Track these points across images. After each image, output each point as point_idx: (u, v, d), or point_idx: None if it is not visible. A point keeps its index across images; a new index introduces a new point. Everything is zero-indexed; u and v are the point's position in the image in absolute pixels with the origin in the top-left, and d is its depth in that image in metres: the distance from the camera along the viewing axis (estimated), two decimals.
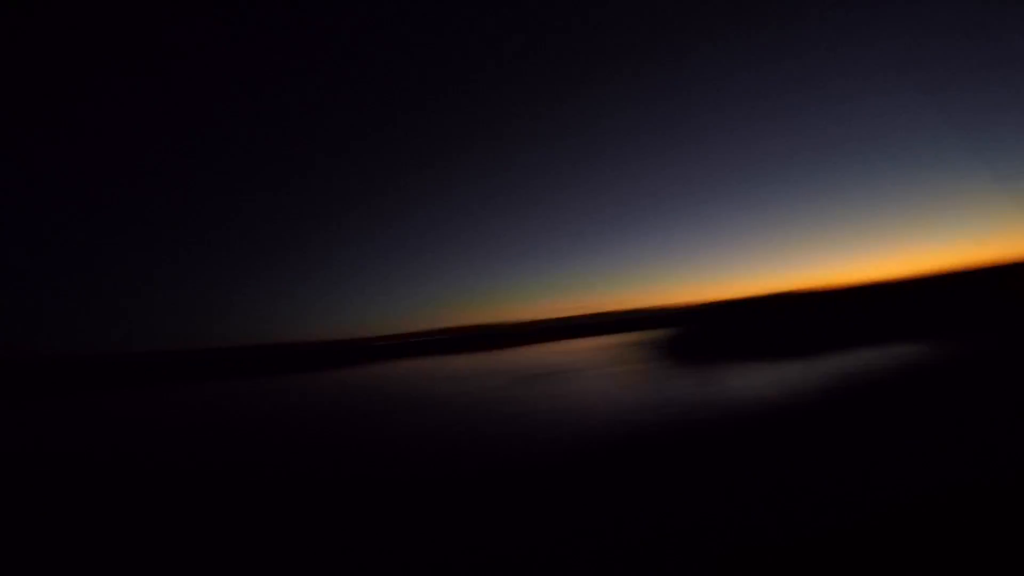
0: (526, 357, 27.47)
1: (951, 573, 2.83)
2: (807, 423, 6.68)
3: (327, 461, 8.16)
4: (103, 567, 4.71)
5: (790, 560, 3.31)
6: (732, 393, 9.25)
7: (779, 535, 3.70)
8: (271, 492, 6.66)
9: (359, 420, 11.95)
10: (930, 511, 3.56)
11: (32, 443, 12.22)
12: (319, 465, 7.92)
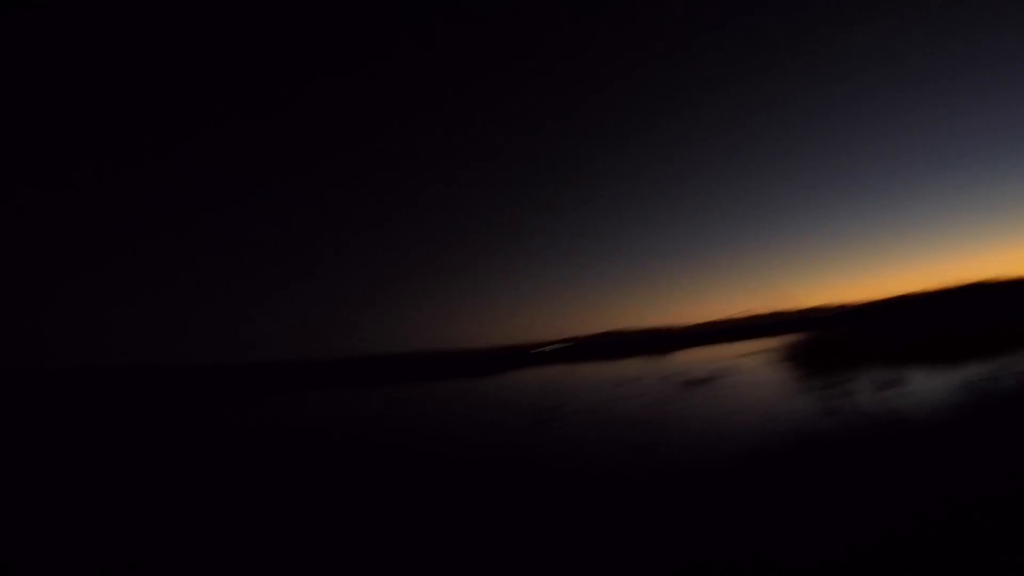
0: (682, 361, 26.49)
1: None
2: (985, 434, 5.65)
3: (493, 472, 7.69)
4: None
5: None
6: (905, 399, 8.31)
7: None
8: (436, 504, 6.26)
9: (528, 427, 11.52)
10: None
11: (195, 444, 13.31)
12: (488, 475, 7.43)
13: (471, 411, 16.67)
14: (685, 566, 3.82)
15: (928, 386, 9.21)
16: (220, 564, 4.80)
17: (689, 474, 6.31)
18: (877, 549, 3.56)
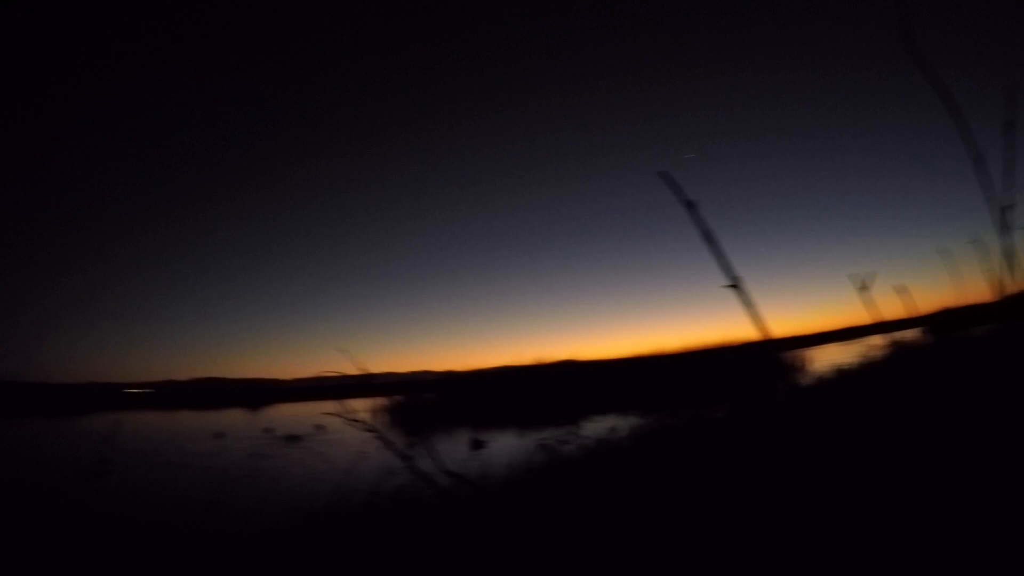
0: (280, 415, 26.89)
1: None
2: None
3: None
4: None
5: None
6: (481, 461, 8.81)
7: None
8: None
9: (82, 478, 10.47)
10: None
11: None
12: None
13: (28, 455, 14.72)
14: None
15: (507, 447, 10.17)
16: None
17: (252, 534, 6.11)
18: None
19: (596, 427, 8.96)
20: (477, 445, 11.12)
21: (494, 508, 4.76)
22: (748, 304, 1.81)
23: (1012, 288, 2.76)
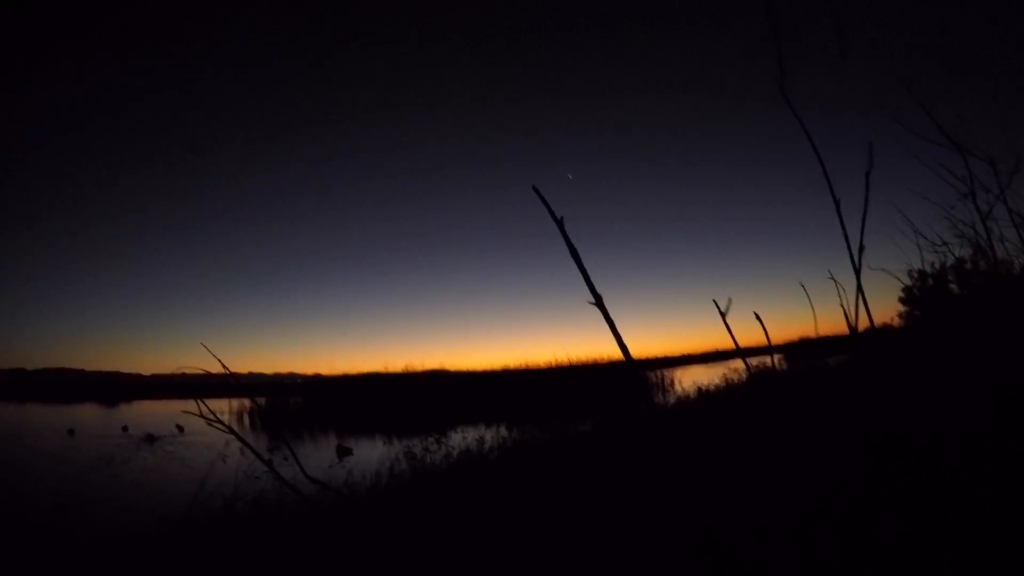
0: (139, 413, 25.88)
1: None
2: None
3: None
4: None
5: None
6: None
7: None
8: None
9: None
10: None
11: None
12: None
13: None
14: None
15: (374, 454, 10.06)
16: None
17: (102, 539, 5.84)
18: None
19: (464, 437, 9.09)
20: (343, 452, 11.01)
21: (358, 516, 4.66)
22: (610, 321, 1.88)
23: (862, 323, 3.13)
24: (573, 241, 1.82)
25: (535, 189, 1.84)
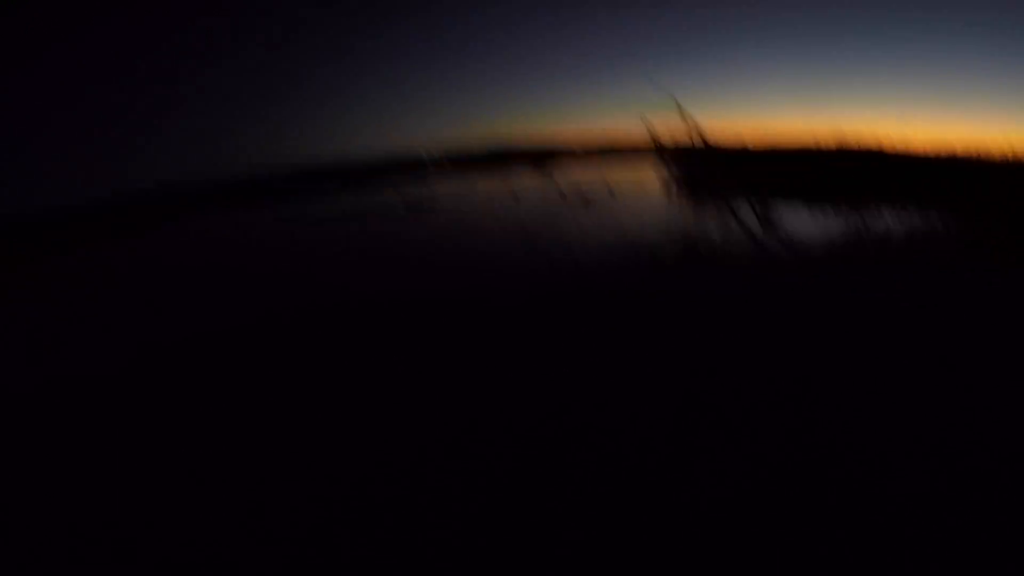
0: (575, 179, 25.59)
1: None
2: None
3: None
4: None
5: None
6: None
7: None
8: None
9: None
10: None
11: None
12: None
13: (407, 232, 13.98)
14: None
15: (803, 219, 10.52)
16: None
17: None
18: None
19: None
20: (767, 220, 10.78)
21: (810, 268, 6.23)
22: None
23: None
24: None
25: None
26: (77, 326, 7.42)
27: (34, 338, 7.12)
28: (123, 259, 14.62)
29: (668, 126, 13.59)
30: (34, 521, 3.20)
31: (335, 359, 5.21)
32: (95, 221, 34.75)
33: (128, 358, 5.81)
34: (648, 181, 20.37)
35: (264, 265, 10.68)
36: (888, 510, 2.59)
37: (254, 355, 5.55)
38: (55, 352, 6.32)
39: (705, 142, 13.14)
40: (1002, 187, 8.85)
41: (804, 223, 10.11)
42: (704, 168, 15.17)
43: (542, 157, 45.18)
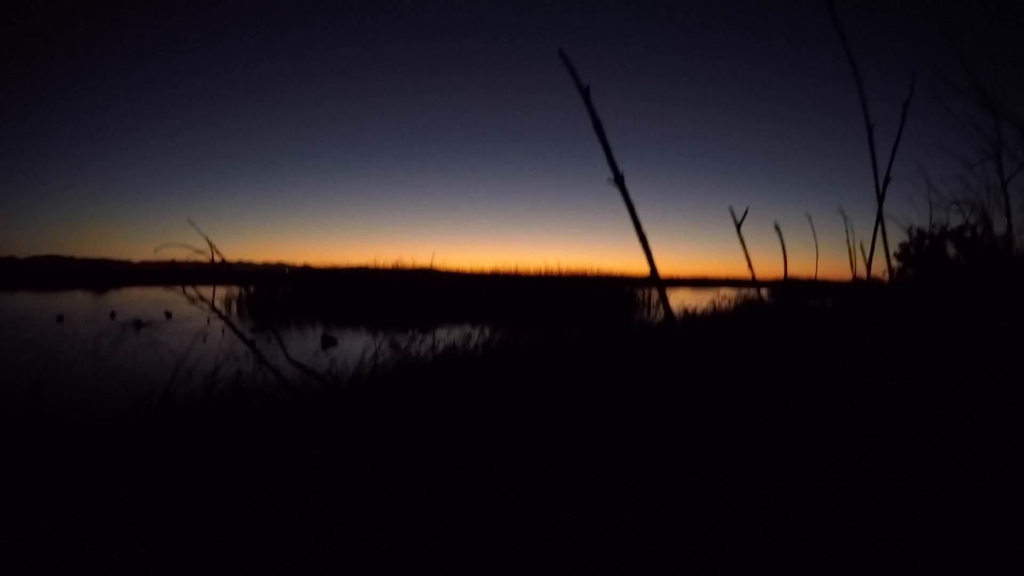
0: (128, 299, 25.40)
1: None
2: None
3: None
4: None
5: None
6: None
7: None
8: None
9: None
10: None
11: None
12: None
13: None
14: None
15: (359, 345, 9.77)
16: None
17: (74, 415, 4.97)
18: None
19: (449, 335, 9.16)
20: (328, 342, 11.06)
21: (341, 402, 4.67)
22: (629, 204, 1.75)
23: (875, 265, 2.95)
24: (596, 114, 1.70)
25: (562, 53, 1.66)
26: None
27: None
28: None
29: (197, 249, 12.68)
30: None
31: None
32: None
33: None
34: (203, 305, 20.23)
35: None
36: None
37: None
38: None
39: (225, 261, 13.12)
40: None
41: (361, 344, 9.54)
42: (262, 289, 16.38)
43: (96, 273, 44.83)
